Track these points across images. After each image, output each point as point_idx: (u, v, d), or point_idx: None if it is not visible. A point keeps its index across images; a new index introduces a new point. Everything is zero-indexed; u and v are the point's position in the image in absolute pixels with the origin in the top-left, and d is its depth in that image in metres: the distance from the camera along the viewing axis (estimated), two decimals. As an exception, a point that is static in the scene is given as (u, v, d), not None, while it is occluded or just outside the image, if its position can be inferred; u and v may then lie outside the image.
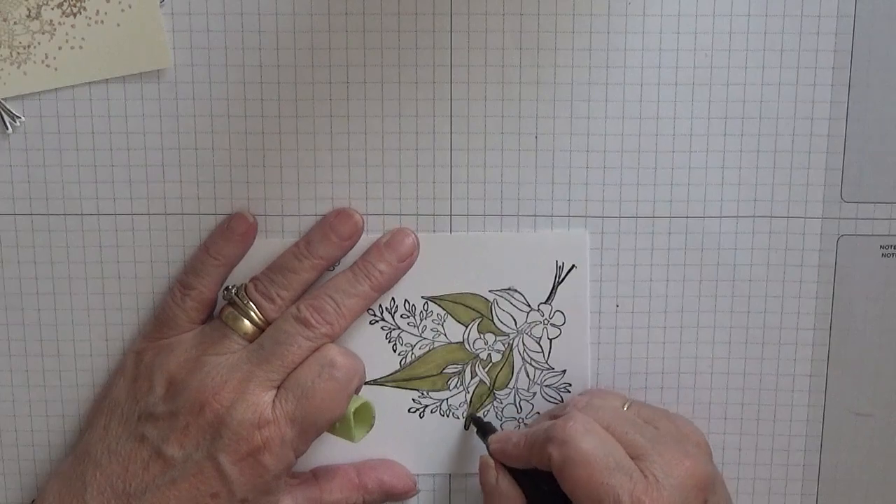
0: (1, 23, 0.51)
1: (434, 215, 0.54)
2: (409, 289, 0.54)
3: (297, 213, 0.54)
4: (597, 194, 0.54)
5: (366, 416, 0.53)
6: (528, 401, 0.56)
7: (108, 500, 0.50)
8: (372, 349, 0.55)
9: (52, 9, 0.51)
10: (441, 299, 0.55)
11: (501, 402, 0.56)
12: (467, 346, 0.55)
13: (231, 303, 0.52)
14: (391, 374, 0.55)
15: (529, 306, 0.55)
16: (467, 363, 0.55)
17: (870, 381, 0.56)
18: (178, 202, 0.54)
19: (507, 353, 0.55)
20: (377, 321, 0.55)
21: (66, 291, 0.55)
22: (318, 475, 0.55)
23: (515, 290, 0.55)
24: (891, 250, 0.54)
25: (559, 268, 0.54)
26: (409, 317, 0.55)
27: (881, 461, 0.56)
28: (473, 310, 0.55)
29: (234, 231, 0.53)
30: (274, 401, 0.50)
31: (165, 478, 0.49)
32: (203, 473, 0.49)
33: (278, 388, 0.50)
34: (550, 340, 0.55)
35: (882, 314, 0.55)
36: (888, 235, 0.54)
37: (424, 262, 0.54)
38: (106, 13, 0.52)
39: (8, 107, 0.53)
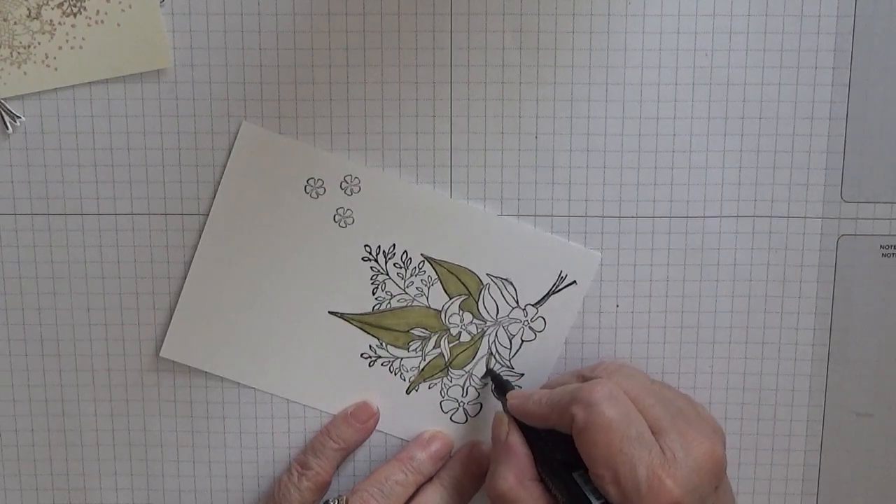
0: (1, 23, 0.51)
1: (434, 215, 0.54)
2: (412, 242, 0.54)
3: (297, 213, 0.54)
4: (597, 194, 0.54)
5: None
6: (476, 389, 0.56)
7: None
8: (353, 284, 0.54)
9: (52, 9, 0.51)
10: (438, 263, 0.54)
11: (451, 381, 0.56)
12: (443, 317, 0.55)
13: None
14: (359, 314, 0.55)
15: (517, 303, 0.55)
16: (435, 333, 0.55)
17: (870, 381, 0.56)
18: (177, 202, 0.54)
19: (478, 338, 0.55)
20: (370, 260, 0.55)
21: (67, 291, 0.55)
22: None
23: (510, 283, 0.54)
24: (891, 250, 0.54)
25: (560, 278, 0.54)
26: (400, 268, 0.55)
27: (881, 461, 0.56)
28: (463, 285, 0.55)
29: (357, 418, 0.55)
30: None
31: None
32: None
33: None
34: (522, 342, 0.55)
35: (882, 314, 0.55)
36: (888, 235, 0.54)
37: (438, 223, 0.54)
38: (106, 13, 0.52)
39: (8, 107, 0.53)
